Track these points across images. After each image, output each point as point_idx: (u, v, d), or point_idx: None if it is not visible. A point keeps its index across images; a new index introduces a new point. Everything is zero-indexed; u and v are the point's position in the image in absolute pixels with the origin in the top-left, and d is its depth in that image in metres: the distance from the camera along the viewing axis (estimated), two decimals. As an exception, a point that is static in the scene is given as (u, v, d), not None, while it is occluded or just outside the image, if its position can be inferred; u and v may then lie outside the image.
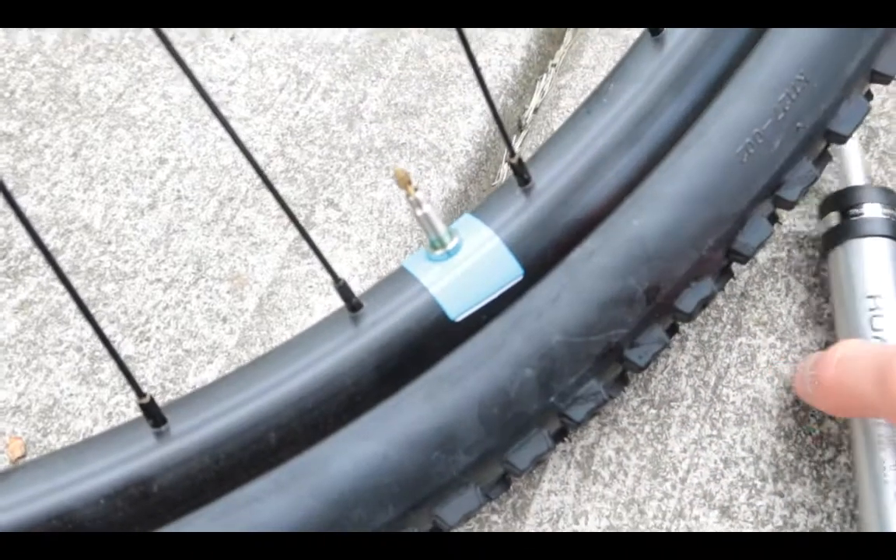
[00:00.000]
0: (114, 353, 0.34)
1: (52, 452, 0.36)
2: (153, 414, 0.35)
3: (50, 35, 0.65)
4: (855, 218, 0.46)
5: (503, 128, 0.39)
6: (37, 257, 0.55)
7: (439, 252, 0.38)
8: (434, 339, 0.38)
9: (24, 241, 0.56)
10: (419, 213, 0.38)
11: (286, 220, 0.56)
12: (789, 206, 0.43)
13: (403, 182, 0.37)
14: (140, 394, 0.35)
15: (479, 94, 0.60)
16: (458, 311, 0.38)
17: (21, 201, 0.57)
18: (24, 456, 0.49)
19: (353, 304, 0.38)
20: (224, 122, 0.33)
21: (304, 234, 0.37)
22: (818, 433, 0.45)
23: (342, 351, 0.37)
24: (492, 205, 0.40)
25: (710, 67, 0.40)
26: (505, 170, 0.61)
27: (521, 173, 0.39)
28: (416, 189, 0.37)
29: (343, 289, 0.38)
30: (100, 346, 0.52)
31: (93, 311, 0.53)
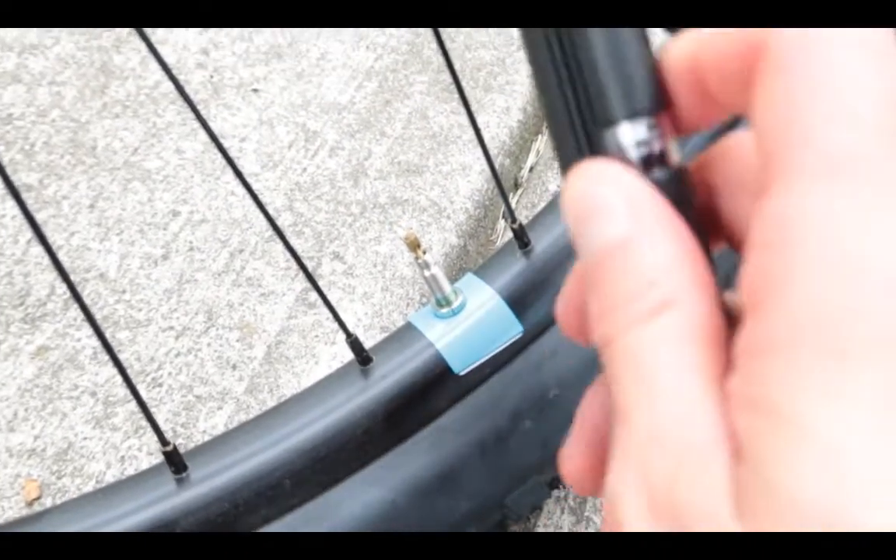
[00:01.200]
0: (141, 403, 0.36)
1: (78, 497, 0.38)
2: (175, 461, 0.38)
3: (69, 91, 0.68)
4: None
5: (505, 195, 0.42)
6: (53, 304, 0.58)
7: (445, 310, 0.41)
8: (439, 391, 0.41)
9: (42, 289, 0.58)
10: (427, 274, 0.40)
11: (294, 271, 0.58)
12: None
13: (413, 246, 0.40)
14: (164, 442, 0.37)
15: (479, 154, 0.63)
16: (462, 365, 0.40)
17: (38, 251, 0.60)
18: (39, 498, 0.50)
19: (363, 358, 0.41)
20: (237, 172, 0.36)
21: (318, 289, 0.39)
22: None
23: (353, 402, 0.40)
24: (493, 266, 0.43)
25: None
26: (502, 226, 0.64)
27: (521, 237, 0.42)
28: (424, 252, 0.40)
29: (354, 343, 0.40)
30: (113, 391, 0.54)
31: (107, 358, 0.55)
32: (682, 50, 0.16)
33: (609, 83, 0.15)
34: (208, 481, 0.38)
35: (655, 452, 0.14)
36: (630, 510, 0.14)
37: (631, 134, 0.15)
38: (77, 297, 0.34)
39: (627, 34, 0.15)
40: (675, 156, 0.16)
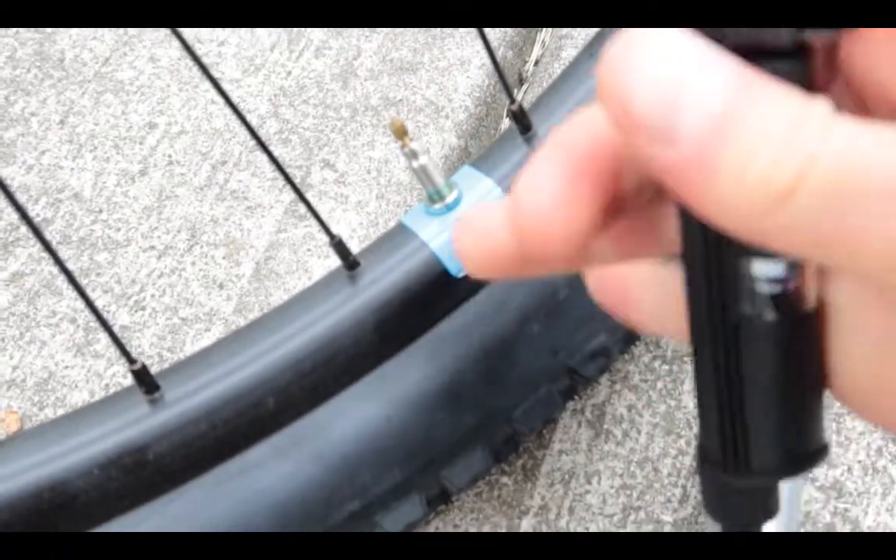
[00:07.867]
0: (102, 321, 0.33)
1: (45, 423, 0.35)
2: (146, 381, 0.34)
3: None
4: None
5: (503, 75, 0.37)
6: (27, 229, 0.54)
7: (438, 205, 0.37)
8: (436, 296, 0.36)
9: (14, 213, 0.54)
10: (415, 164, 0.36)
11: (281, 182, 0.54)
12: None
13: (399, 133, 0.35)
14: (131, 360, 0.34)
15: (478, 47, 0.58)
16: (460, 266, 0.36)
17: (8, 172, 0.56)
18: (20, 430, 0.48)
19: (350, 262, 0.37)
20: (215, 83, 0.32)
21: (297, 190, 0.35)
22: (835, 384, 0.44)
23: (340, 311, 0.36)
24: (493, 155, 0.39)
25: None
26: (506, 124, 0.59)
27: (522, 121, 0.38)
28: (412, 140, 0.35)
29: (339, 246, 0.36)
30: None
31: (85, 281, 0.51)
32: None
33: None
34: (183, 401, 0.34)
35: None
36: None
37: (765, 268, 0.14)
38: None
39: None
40: (810, 301, 0.14)
